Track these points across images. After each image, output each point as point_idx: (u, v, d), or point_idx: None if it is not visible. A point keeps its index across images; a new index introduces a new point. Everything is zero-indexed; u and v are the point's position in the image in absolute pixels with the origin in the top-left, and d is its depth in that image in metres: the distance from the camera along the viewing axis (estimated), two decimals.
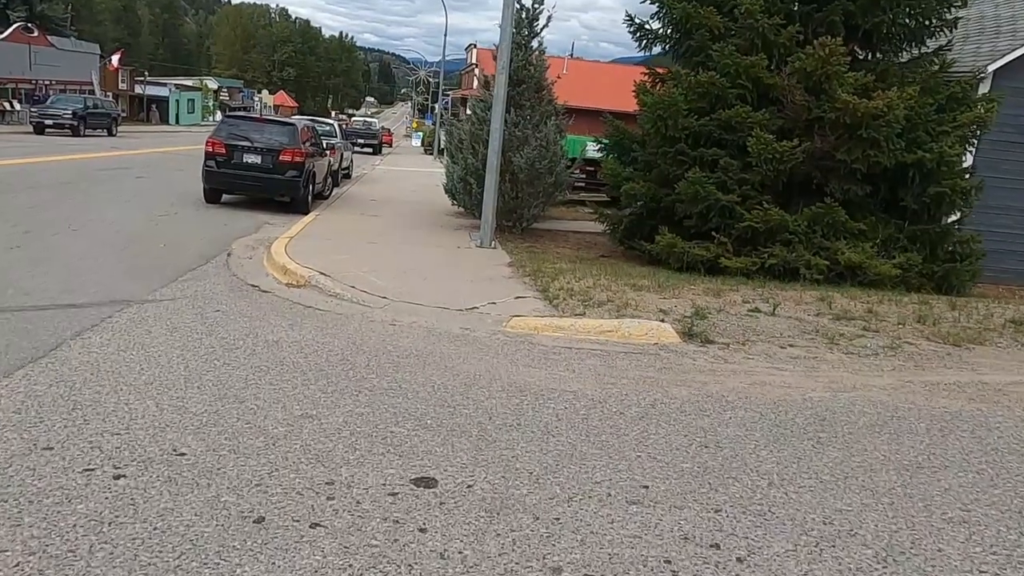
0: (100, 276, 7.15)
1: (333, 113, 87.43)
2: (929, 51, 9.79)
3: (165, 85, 58.13)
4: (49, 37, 40.49)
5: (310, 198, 13.65)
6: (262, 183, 12.82)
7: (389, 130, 56.41)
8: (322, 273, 7.69)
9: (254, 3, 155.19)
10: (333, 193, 17.06)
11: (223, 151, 12.75)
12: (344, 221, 12.37)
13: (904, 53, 9.87)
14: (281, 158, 12.78)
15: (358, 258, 8.88)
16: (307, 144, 13.81)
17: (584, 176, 14.60)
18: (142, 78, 56.63)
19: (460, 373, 4.90)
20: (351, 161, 22.61)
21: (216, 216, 12.17)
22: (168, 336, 5.33)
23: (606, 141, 11.58)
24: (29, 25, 38.33)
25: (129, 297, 6.42)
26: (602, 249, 11.73)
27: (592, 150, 16.16)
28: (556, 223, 14.40)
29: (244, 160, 12.74)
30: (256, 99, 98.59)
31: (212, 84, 77.33)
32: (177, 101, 58.74)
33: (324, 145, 15.75)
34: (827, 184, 8.93)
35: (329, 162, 16.32)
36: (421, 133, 56.19)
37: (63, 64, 40.79)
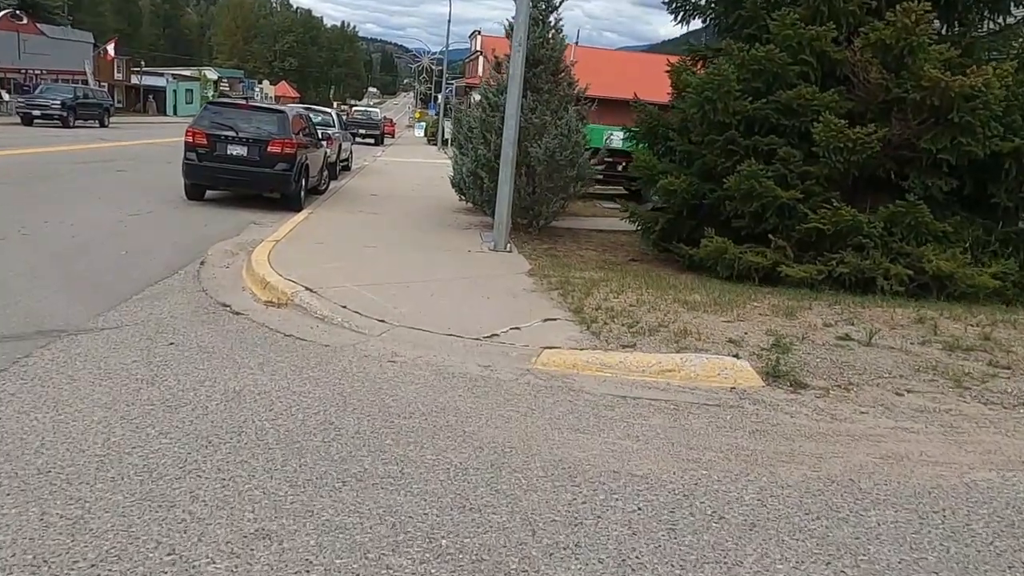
0: (34, 297, 5.83)
1: (335, 103, 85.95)
2: (1016, 20, 8.38)
3: (163, 75, 56.73)
4: (40, 25, 39.12)
5: (303, 194, 12.32)
6: (249, 178, 11.49)
7: (391, 120, 54.97)
8: (308, 288, 6.36)
9: None
10: (330, 187, 15.72)
11: (205, 142, 11.41)
12: (340, 220, 11.04)
13: (987, 23, 8.47)
14: (270, 150, 11.44)
15: (353, 266, 7.55)
16: (299, 134, 12.45)
17: (602, 168, 13.22)
18: (139, 68, 55.22)
19: (484, 445, 3.57)
20: (350, 153, 21.26)
21: (196, 215, 10.84)
22: (94, 387, 4.01)
23: (634, 129, 10.19)
24: (18, 12, 36.98)
25: (63, 326, 5.11)
26: (631, 252, 10.38)
27: (616, 139, 14.78)
28: (574, 220, 13.04)
29: (228, 152, 11.40)
30: (257, 89, 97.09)
31: (212, 74, 75.86)
32: (175, 91, 57.35)
33: (320, 135, 14.39)
34: (905, 178, 7.55)
35: (325, 154, 14.98)
36: (424, 123, 54.70)
37: (55, 53, 39.44)
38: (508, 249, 9.42)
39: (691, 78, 8.04)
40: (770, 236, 7.71)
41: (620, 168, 16.84)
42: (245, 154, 11.43)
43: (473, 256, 8.90)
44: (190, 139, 11.46)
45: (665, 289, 7.00)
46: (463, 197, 12.60)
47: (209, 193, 12.37)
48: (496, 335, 5.43)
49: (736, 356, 4.86)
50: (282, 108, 12.11)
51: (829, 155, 7.33)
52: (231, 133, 11.40)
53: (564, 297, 6.55)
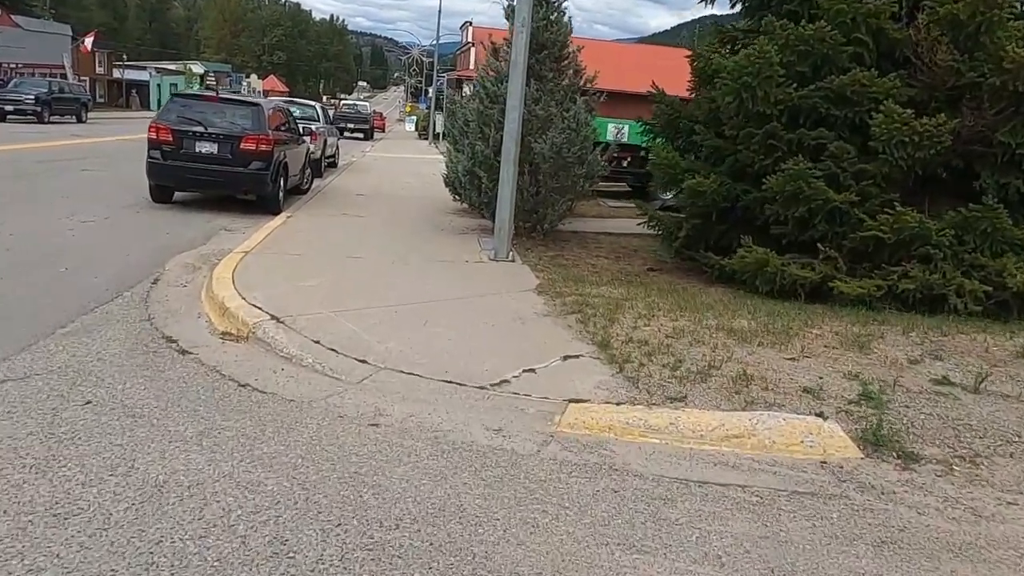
0: None
1: (324, 97, 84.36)
2: None
3: (145, 69, 55.17)
4: (15, 17, 37.63)
5: (282, 195, 11.16)
6: (220, 178, 10.31)
7: (381, 114, 53.66)
8: (275, 317, 5.23)
9: None
10: (314, 186, 14.55)
11: (170, 139, 10.22)
12: (322, 225, 9.89)
13: None
14: (243, 147, 10.27)
15: (332, 284, 6.42)
16: (278, 129, 11.28)
17: (610, 164, 12.14)
18: (121, 62, 53.66)
19: None
20: (337, 148, 20.06)
21: (160, 220, 9.67)
22: None
23: (649, 122, 9.09)
24: None
25: None
26: (647, 259, 9.28)
27: (621, 133, 13.65)
28: (579, 222, 11.92)
29: (197, 150, 10.22)
30: (245, 83, 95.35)
31: (198, 68, 74.20)
32: (159, 86, 55.77)
33: (302, 130, 13.21)
34: (975, 176, 6.47)
35: (308, 150, 13.80)
36: (415, 117, 53.43)
37: (31, 46, 37.95)
38: (511, 258, 8.31)
39: (725, 61, 6.92)
40: (818, 245, 6.62)
41: (625, 164, 15.76)
42: (215, 152, 10.25)
43: (472, 268, 7.78)
44: (154, 135, 10.28)
45: (701, 311, 5.91)
46: (458, 198, 11.47)
47: (178, 195, 11.19)
48: (506, 380, 4.33)
49: (820, 415, 3.77)
50: (257, 101, 10.95)
51: (890, 151, 6.24)
52: (200, 129, 10.22)
53: (584, 324, 5.44)
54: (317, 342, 4.83)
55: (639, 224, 9.17)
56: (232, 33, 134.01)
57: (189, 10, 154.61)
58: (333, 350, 4.72)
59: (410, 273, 7.21)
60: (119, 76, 52.87)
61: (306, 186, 13.84)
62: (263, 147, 10.40)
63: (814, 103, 6.62)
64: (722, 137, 7.47)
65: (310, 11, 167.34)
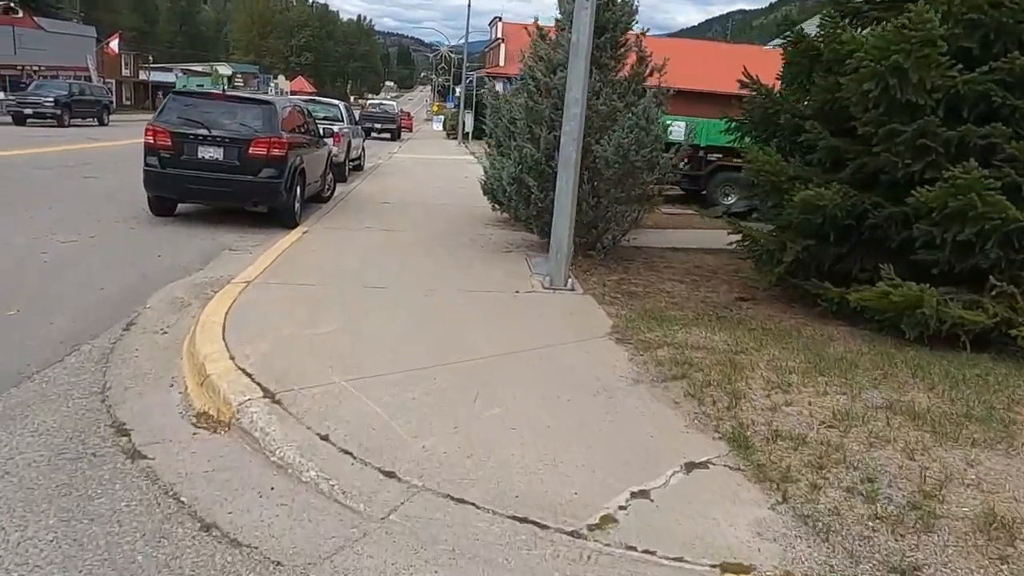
0: None
1: (352, 98, 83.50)
2: None
3: (171, 70, 54.59)
4: (38, 19, 36.99)
5: (298, 205, 9.75)
6: (226, 188, 8.92)
7: (409, 114, 52.44)
8: (268, 394, 3.77)
9: None
10: (337, 193, 13.17)
11: (169, 143, 8.86)
12: (342, 242, 8.45)
13: None
14: (252, 151, 8.87)
15: (349, 330, 4.94)
16: (293, 131, 9.89)
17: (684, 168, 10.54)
18: (147, 63, 53.13)
19: None
20: (362, 150, 18.70)
21: (155, 238, 8.31)
22: None
23: (738, 119, 7.50)
24: (12, 5, 34.85)
25: None
26: (731, 283, 7.68)
27: (677, 131, 12.00)
28: (638, 233, 10.32)
29: (199, 156, 8.85)
30: (272, 84, 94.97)
31: (225, 69, 73.81)
32: (185, 87, 55.17)
33: (322, 132, 11.81)
34: None
35: (330, 153, 12.41)
36: (443, 116, 52.10)
37: (54, 48, 37.28)
38: (570, 286, 6.78)
39: (861, 38, 5.30)
40: (994, 280, 4.98)
41: (681, 166, 14.14)
42: (220, 158, 8.87)
43: (524, 301, 6.26)
44: (150, 139, 8.92)
45: (848, 374, 4.32)
46: (499, 207, 9.98)
47: (182, 206, 9.85)
48: (610, 516, 2.80)
49: None
50: (268, 99, 9.55)
51: None
52: (202, 131, 8.84)
53: (697, 398, 3.90)
54: (325, 438, 3.35)
55: (732, 241, 7.56)
56: (261, 35, 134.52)
57: (219, 12, 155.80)
58: (347, 452, 3.24)
59: (447, 312, 5.71)
60: (145, 78, 52.31)
61: (328, 193, 12.47)
62: (275, 152, 8.99)
63: (984, 90, 4.98)
64: (846, 136, 5.86)
65: (337, 12, 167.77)
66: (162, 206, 9.51)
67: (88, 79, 37.29)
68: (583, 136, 6.61)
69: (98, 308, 5.53)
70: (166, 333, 5.14)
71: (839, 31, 5.69)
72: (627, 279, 7.55)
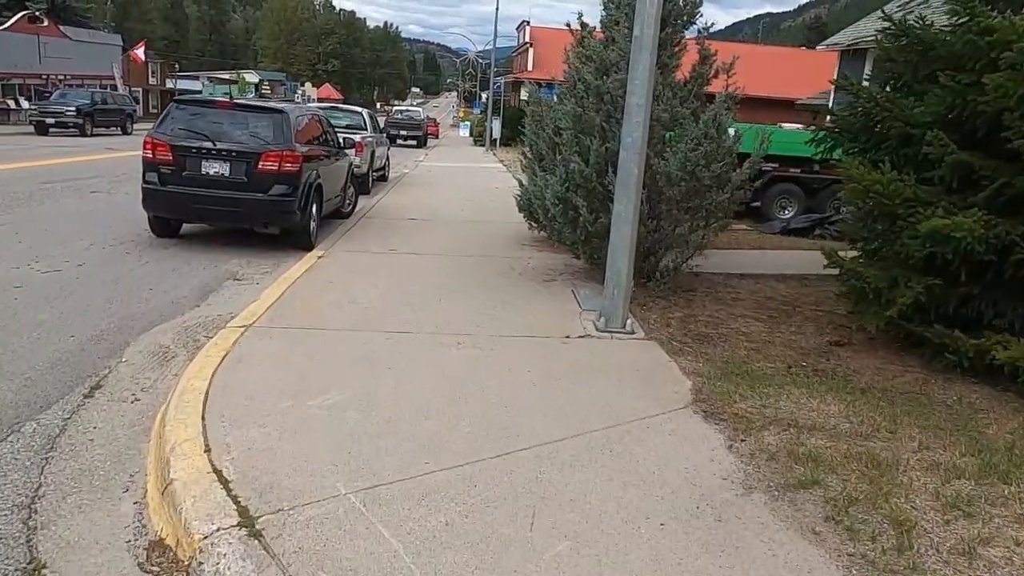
0: None
1: (377, 104, 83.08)
2: None
3: (198, 78, 54.45)
4: (63, 28, 36.76)
5: (314, 225, 8.77)
6: (232, 207, 7.96)
7: (435, 120, 51.61)
8: (246, 520, 2.71)
9: None
10: (359, 207, 12.20)
11: (170, 158, 7.92)
12: (360, 270, 7.42)
13: None
14: (261, 166, 7.90)
15: (361, 403, 3.87)
16: (310, 142, 8.92)
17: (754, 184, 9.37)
18: (173, 71, 53.03)
19: None
20: (387, 160, 17.74)
21: (151, 266, 7.36)
22: None
23: (828, 128, 6.33)
24: (37, 14, 34.64)
25: None
26: (817, 321, 6.49)
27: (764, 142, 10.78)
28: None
29: (203, 171, 7.90)
30: (299, 92, 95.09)
31: (251, 77, 73.86)
32: (211, 95, 55.03)
33: (343, 142, 10.84)
34: None
35: (351, 165, 11.44)
36: (469, 123, 51.23)
37: (79, 57, 37.02)
38: (629, 328, 5.67)
39: (1022, 25, 4.13)
40: None
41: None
42: (227, 174, 7.91)
43: (577, 352, 5.15)
44: (149, 153, 7.99)
45: None
46: (535, 226, 8.92)
47: (188, 226, 8.92)
48: None
49: None
50: (281, 107, 8.57)
51: None
52: (207, 144, 7.89)
53: (845, 526, 2.77)
54: None
55: (824, 263, 6.37)
56: (288, 42, 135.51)
57: (248, 21, 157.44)
58: None
59: (484, 371, 4.62)
60: (172, 86, 52.18)
61: (348, 208, 11.50)
62: (288, 166, 8.01)
63: None
64: (977, 149, 4.68)
65: (364, 19, 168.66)
66: (164, 227, 8.58)
67: (113, 88, 37.01)
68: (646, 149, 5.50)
69: (60, 364, 4.55)
70: (137, 401, 4.13)
71: (981, 19, 4.51)
72: (692, 315, 6.40)
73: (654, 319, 6.16)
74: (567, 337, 5.45)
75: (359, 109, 16.60)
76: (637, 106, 5.34)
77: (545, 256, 8.61)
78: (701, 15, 6.99)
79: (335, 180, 10.17)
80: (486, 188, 16.67)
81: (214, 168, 7.91)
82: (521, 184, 9.61)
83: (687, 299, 6.99)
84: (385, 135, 17.11)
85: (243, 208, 7.97)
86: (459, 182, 18.24)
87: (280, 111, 8.32)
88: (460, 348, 5.00)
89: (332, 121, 16.11)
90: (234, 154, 7.90)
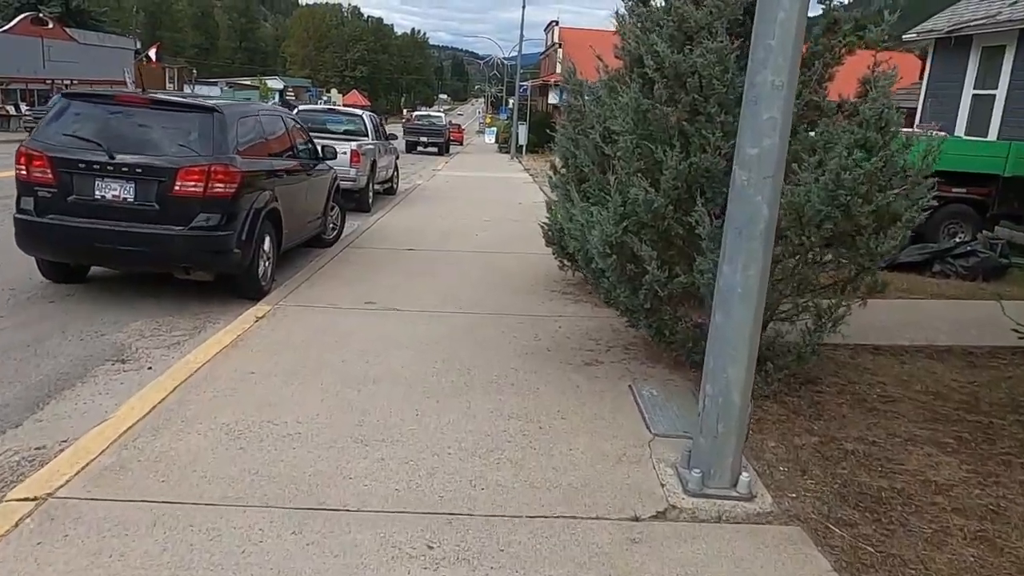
0: None
1: (404, 111, 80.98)
2: None
3: (216, 84, 52.90)
4: (70, 30, 35.17)
5: (266, 265, 6.38)
6: (138, 245, 5.57)
7: (459, 126, 49.35)
8: None
9: (327, 3, 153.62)
10: (350, 229, 9.83)
11: (50, 176, 5.56)
12: (314, 344, 4.96)
13: None
14: (179, 187, 5.51)
15: None
16: (263, 154, 6.53)
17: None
18: (191, 77, 51.53)
19: None
20: (395, 170, 15.36)
21: (7, 331, 5.00)
22: None
23: None
24: (41, 15, 33.07)
25: None
26: (1007, 435, 3.90)
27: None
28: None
29: (96, 195, 5.53)
30: (324, 98, 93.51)
31: (276, 84, 72.47)
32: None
33: (321, 153, 8.40)
34: None
35: (335, 180, 9.03)
36: (495, 129, 48.89)
37: (86, 60, 35.38)
38: (745, 488, 3.12)
39: None
40: None
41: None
42: (130, 197, 5.53)
43: (660, 559, 2.61)
44: (22, 169, 5.64)
45: None
46: (570, 265, 6.44)
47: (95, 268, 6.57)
48: None
49: None
50: (215, 105, 6.10)
51: None
52: (100, 157, 5.51)
53: None
54: None
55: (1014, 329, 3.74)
56: (316, 49, 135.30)
57: (277, 28, 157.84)
58: None
59: None
60: (190, 92, 50.66)
61: (332, 233, 9.11)
62: (219, 187, 5.61)
63: None
64: None
65: (392, 26, 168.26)
66: (59, 270, 6.24)
67: None
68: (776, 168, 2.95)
69: None
70: None
71: None
72: (833, 439, 3.84)
73: (775, 451, 3.63)
74: (636, 519, 2.93)
75: (359, 112, 14.22)
76: (773, 88, 2.83)
77: (582, 312, 6.09)
78: None
79: (308, 202, 7.77)
80: (507, 204, 14.18)
81: (111, 190, 5.53)
82: (550, 208, 7.13)
83: (813, 399, 4.41)
84: (391, 142, 14.70)
85: (153, 247, 5.57)
86: (477, 196, 15.78)
87: (212, 110, 5.89)
88: (454, 568, 2.50)
89: (329, 126, 13.86)
90: (139, 170, 5.51)
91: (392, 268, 7.63)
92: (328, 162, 8.64)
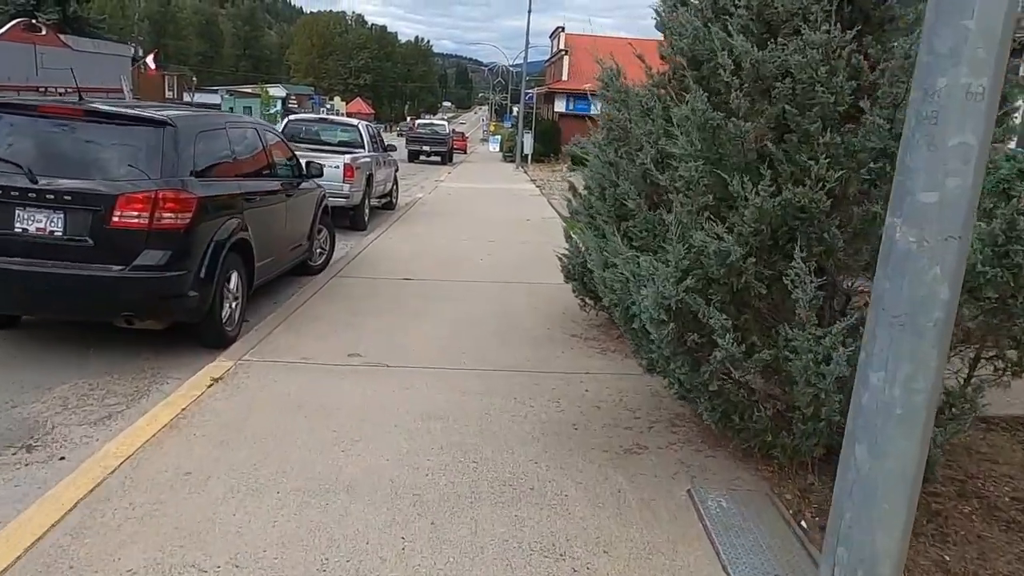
0: None
1: (408, 118, 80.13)
2: None
3: (216, 92, 52.03)
4: (64, 37, 34.26)
5: (231, 307, 5.32)
6: (69, 289, 4.52)
7: (463, 135, 48.36)
8: None
9: (331, 11, 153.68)
10: (342, 252, 8.79)
11: None
12: (272, 426, 3.89)
13: None
14: (118, 218, 4.46)
15: None
16: (228, 174, 5.48)
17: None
18: (190, 85, 50.68)
19: None
20: (394, 183, 14.32)
21: None
22: None
23: None
24: (35, 22, 32.19)
25: None
26: None
27: None
28: None
29: (16, 227, 4.49)
30: (327, 106, 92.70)
31: (277, 91, 71.59)
32: (231, 109, 52.57)
33: (305, 170, 7.34)
34: None
35: (322, 199, 7.99)
36: (499, 137, 47.89)
37: (84, 68, 34.39)
38: None
39: None
40: None
41: None
42: (59, 231, 4.49)
43: None
44: None
45: None
46: (593, 304, 5.39)
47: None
48: None
49: None
50: (169, 118, 4.99)
51: None
52: (22, 183, 4.47)
53: None
54: None
55: None
56: (320, 57, 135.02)
57: (282, 36, 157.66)
58: None
59: None
60: (190, 100, 49.84)
61: (320, 259, 8.08)
62: (168, 217, 4.58)
63: None
64: None
65: (395, 33, 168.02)
66: None
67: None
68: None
69: None
70: None
71: None
72: None
73: None
74: None
75: (355, 122, 13.18)
76: (968, 97, 1.77)
77: (611, 367, 5.01)
78: None
79: (289, 227, 6.72)
80: (514, 221, 13.12)
81: (35, 222, 4.48)
82: (568, 236, 6.09)
83: (930, 506, 3.31)
84: (390, 153, 13.67)
85: (85, 292, 4.52)
86: (482, 211, 14.72)
87: (163, 123, 4.84)
88: None
89: (322, 137, 12.83)
90: (69, 198, 4.47)
91: (385, 305, 6.56)
92: (316, 179, 7.60)
